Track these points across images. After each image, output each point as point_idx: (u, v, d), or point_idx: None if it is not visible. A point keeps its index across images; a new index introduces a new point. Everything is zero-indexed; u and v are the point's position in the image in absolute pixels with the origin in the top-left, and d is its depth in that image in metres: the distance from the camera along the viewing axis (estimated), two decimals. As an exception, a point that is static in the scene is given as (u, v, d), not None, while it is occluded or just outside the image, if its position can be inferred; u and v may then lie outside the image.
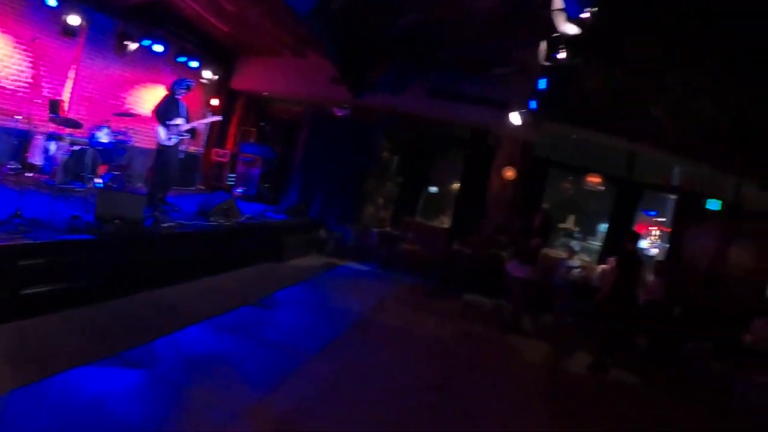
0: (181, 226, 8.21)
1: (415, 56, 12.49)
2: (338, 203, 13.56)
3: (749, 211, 13.34)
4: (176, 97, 9.33)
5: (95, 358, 4.60)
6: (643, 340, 10.17)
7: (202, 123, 9.95)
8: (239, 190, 14.02)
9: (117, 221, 6.87)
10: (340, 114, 14.11)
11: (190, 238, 8.14)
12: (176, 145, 9.31)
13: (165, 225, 7.93)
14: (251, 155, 14.89)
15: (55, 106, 9.60)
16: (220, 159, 15.30)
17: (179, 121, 9.10)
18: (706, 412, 7.91)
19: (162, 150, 9.07)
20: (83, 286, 5.91)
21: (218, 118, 10.73)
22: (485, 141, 13.72)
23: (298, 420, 4.44)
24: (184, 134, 9.39)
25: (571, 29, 8.14)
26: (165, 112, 9.08)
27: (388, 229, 13.42)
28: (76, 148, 9.60)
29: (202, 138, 14.89)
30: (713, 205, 13.24)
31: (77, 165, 9.47)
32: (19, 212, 6.06)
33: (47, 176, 9.39)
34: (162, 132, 8.96)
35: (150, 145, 10.77)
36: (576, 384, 7.79)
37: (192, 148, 14.06)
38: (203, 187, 14.12)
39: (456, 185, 15.24)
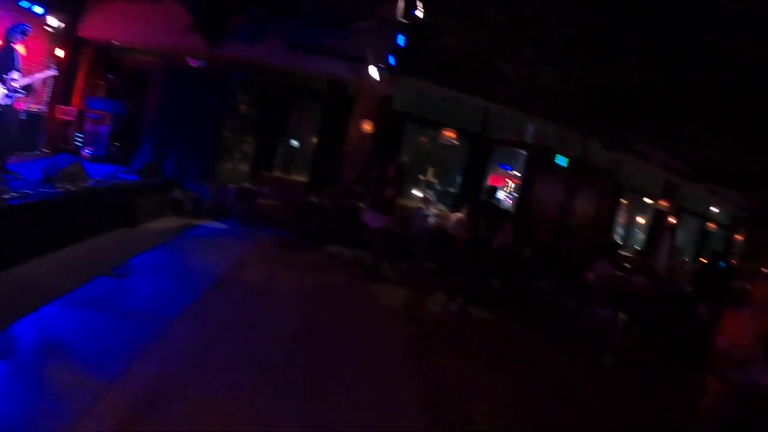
0: (25, 195, 7.60)
1: (274, 6, 12.35)
2: (194, 160, 13.20)
3: (594, 167, 14.59)
4: (12, 45, 8.48)
5: None
6: (497, 281, 11.12)
7: (38, 78, 9.07)
8: (87, 150, 13.14)
9: None
10: (195, 65, 13.64)
11: (36, 209, 7.56)
12: (12, 104, 8.56)
13: (6, 196, 7.33)
14: (99, 112, 13.82)
15: None
16: (65, 117, 13.96)
17: (16, 76, 8.32)
18: (554, 339, 9.05)
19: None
20: None
21: (53, 71, 9.87)
22: (344, 94, 13.83)
23: (164, 386, 4.46)
24: (21, 92, 8.51)
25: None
26: (2, 66, 8.24)
27: (245, 184, 13.26)
28: None
29: (45, 94, 13.49)
30: (561, 160, 14.40)
31: None
32: None
33: None
34: None
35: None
36: (435, 324, 8.47)
37: (33, 107, 12.60)
38: (48, 150, 12.91)
39: (314, 138, 15.25)
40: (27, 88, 8.75)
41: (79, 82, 14.65)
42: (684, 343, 9.66)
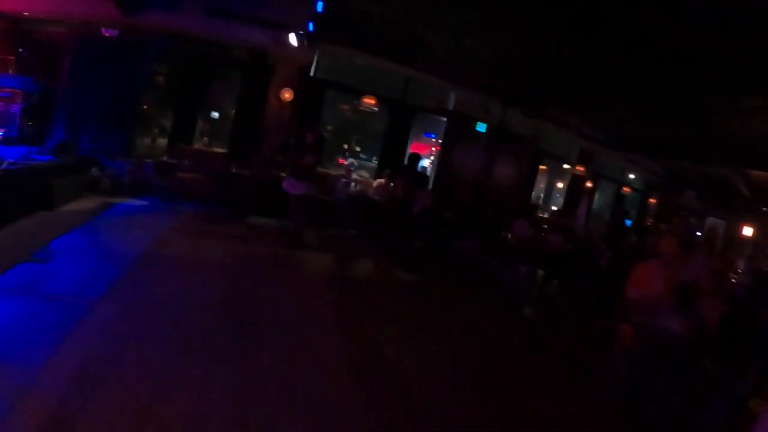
0: None
1: None
2: (111, 136, 12.89)
3: (513, 134, 15.18)
4: None
5: None
6: (420, 243, 11.53)
7: None
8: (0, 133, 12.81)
9: None
10: (108, 35, 13.20)
11: None
12: None
13: None
14: (10, 89, 13.11)
15: None
16: None
17: None
18: (477, 297, 9.57)
19: None
20: None
21: None
22: (263, 63, 13.75)
23: (93, 367, 4.49)
24: None
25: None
26: None
27: (164, 158, 13.12)
28: None
29: None
30: (481, 127, 14.83)
31: None
32: None
33: None
34: None
35: None
36: (360, 287, 8.71)
37: None
38: None
39: (235, 109, 15.17)
40: None
41: None
42: (594, 292, 10.23)
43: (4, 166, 9.12)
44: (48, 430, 3.53)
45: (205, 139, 15.30)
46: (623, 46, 9.34)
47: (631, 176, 22.10)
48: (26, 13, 14.08)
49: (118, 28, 13.16)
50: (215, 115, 15.94)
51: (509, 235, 11.32)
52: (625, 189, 21.41)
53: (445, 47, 12.63)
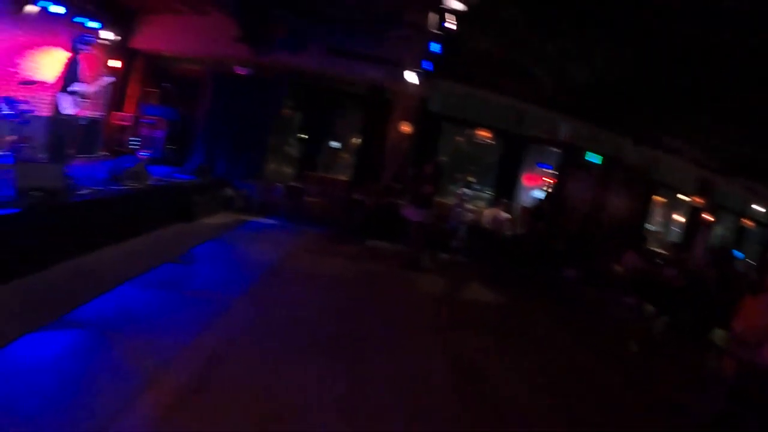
0: (97, 192, 8.60)
1: (314, 16, 13.13)
2: (243, 161, 14.14)
3: (626, 164, 15.35)
4: (77, 56, 9.34)
5: (41, 324, 5.08)
6: (529, 271, 11.72)
7: (97, 86, 9.96)
8: (144, 153, 14.10)
9: (38, 192, 7.14)
10: (242, 72, 14.51)
11: (107, 204, 8.59)
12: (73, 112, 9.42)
13: (82, 192, 8.27)
14: (154, 117, 14.97)
15: None
16: (121, 123, 15.23)
17: (79, 86, 9.18)
18: (581, 326, 9.51)
19: (61, 118, 9.15)
20: (11, 260, 6.24)
21: (111, 79, 10.67)
22: (382, 97, 14.54)
23: (227, 351, 5.26)
24: (82, 99, 9.35)
25: (457, 5, 9.11)
26: (69, 77, 9.12)
27: (293, 183, 14.17)
28: None
29: (102, 102, 14.54)
30: (592, 158, 14.90)
31: None
32: None
33: None
34: (64, 100, 9.00)
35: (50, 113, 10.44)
36: (468, 309, 8.95)
37: (92, 113, 13.38)
38: (105, 153, 14.00)
39: (355, 139, 16.10)
40: (89, 96, 9.63)
41: (133, 90, 15.80)
42: (700, 325, 9.96)
43: (152, 181, 10.29)
44: (185, 395, 4.30)
45: (328, 166, 16.20)
46: (736, 67, 9.41)
47: (756, 207, 20.88)
48: (165, 52, 15.74)
49: (249, 66, 14.43)
50: (336, 144, 16.89)
51: (617, 266, 11.40)
52: (747, 222, 19.92)
53: (552, 78, 12.97)
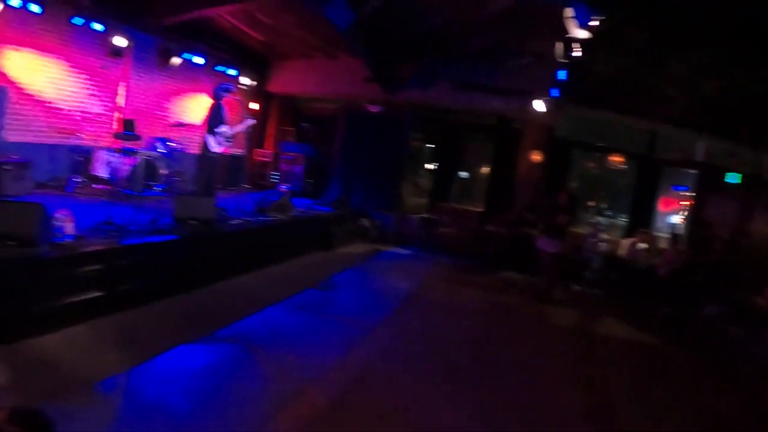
0: (246, 222, 9.48)
1: (440, 52, 13.44)
2: (377, 193, 14.69)
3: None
4: (220, 102, 10.05)
5: (194, 337, 5.71)
6: (666, 307, 10.82)
7: (241, 127, 10.65)
8: (284, 187, 15.05)
9: (193, 221, 8.04)
10: (374, 111, 15.14)
11: (255, 232, 9.45)
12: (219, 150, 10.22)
13: (233, 222, 9.17)
14: (293, 153, 15.99)
15: (129, 124, 10.47)
16: (262, 159, 16.60)
17: (224, 128, 9.88)
18: (721, 368, 8.47)
19: (209, 156, 9.84)
20: (170, 280, 7.13)
21: (252, 121, 11.15)
22: (510, 127, 14.61)
23: (367, 374, 5.59)
24: (229, 140, 10.05)
25: (582, 34, 9.16)
26: (212, 119, 9.82)
27: (425, 214, 14.47)
28: (139, 159, 10.59)
29: (244, 140, 15.78)
30: (732, 178, 13.89)
31: (145, 174, 10.58)
32: (110, 220, 7.22)
33: (111, 186, 10.29)
34: (211, 140, 9.67)
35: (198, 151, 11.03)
36: (602, 344, 8.53)
37: (236, 150, 14.73)
38: (248, 186, 15.27)
39: (485, 169, 16.15)
40: (233, 137, 10.35)
41: (272, 129, 17.11)
42: None
43: (296, 213, 11.06)
44: (327, 411, 4.62)
45: (459, 197, 16.40)
46: None
47: None
48: (299, 94, 16.95)
49: (380, 104, 15.00)
50: (465, 175, 17.03)
51: (761, 301, 10.15)
52: None
53: (684, 96, 12.35)
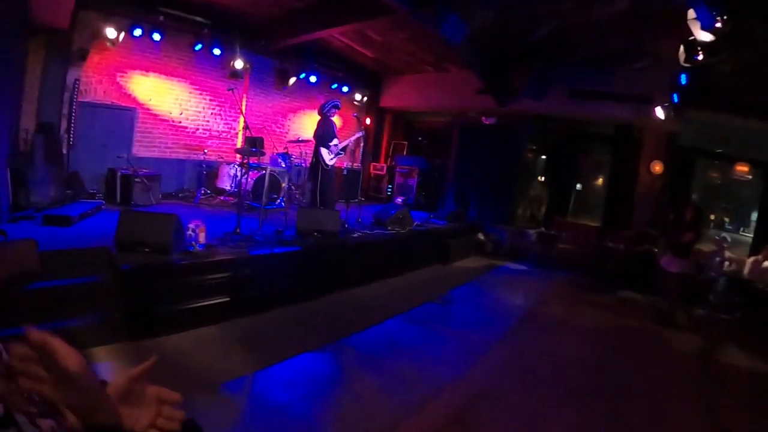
0: (366, 235, 9.68)
1: (552, 59, 13.09)
2: (492, 206, 14.66)
3: None
4: (330, 118, 10.46)
5: (316, 345, 5.87)
6: None
7: (352, 140, 11.01)
8: (399, 199, 15.49)
9: (316, 234, 8.37)
10: (487, 123, 15.09)
11: (375, 245, 9.59)
12: (335, 163, 10.58)
13: (354, 235, 9.41)
14: (407, 167, 16.27)
15: (252, 140, 10.76)
16: (377, 172, 16.98)
17: (335, 141, 10.24)
18: None
19: (325, 169, 10.20)
20: (293, 288, 7.43)
21: (362, 134, 11.51)
22: (629, 135, 13.91)
23: (487, 391, 5.48)
24: (341, 152, 10.45)
25: (706, 37, 8.62)
26: (323, 134, 10.22)
27: (542, 229, 14.16)
28: (262, 173, 10.93)
29: (359, 154, 16.20)
30: None
31: (267, 187, 10.60)
32: (238, 230, 7.73)
33: (235, 198, 11.07)
34: (325, 154, 10.11)
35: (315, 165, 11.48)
36: (727, 375, 7.90)
37: (352, 164, 14.88)
38: (363, 199, 15.12)
39: (603, 181, 15.82)
40: (344, 149, 10.69)
41: (385, 143, 17.52)
42: None
43: (414, 226, 11.10)
44: (447, 426, 4.58)
45: (576, 210, 16.09)
46: None
47: None
48: (412, 109, 17.20)
49: (493, 115, 14.94)
50: (580, 187, 16.73)
51: None
52: None
53: None
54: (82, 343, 4.59)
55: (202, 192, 11.98)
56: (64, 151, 10.16)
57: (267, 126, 14.13)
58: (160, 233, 6.03)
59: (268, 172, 10.01)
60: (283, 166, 11.83)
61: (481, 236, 13.68)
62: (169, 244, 6.01)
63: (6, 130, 7.95)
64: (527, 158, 15.58)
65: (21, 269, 4.94)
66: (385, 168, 16.94)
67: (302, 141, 12.58)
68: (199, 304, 6.06)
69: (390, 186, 16.52)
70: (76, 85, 10.36)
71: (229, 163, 12.16)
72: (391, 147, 17.68)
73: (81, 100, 10.49)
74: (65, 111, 10.27)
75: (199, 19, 11.95)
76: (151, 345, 5.28)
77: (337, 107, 10.60)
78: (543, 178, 16.27)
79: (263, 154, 10.15)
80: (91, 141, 10.74)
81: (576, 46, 12.39)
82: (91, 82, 10.72)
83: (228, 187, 11.88)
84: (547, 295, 10.54)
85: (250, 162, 9.46)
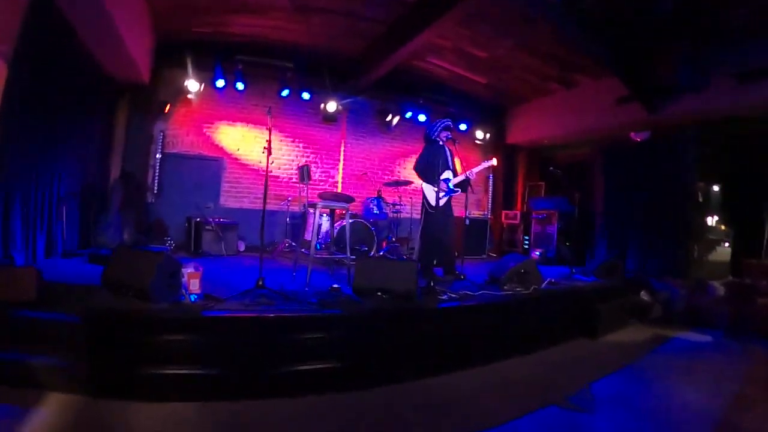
0: (464, 297, 6.55)
1: (707, 33, 9.16)
2: (659, 252, 10.75)
3: None
4: (439, 143, 8.22)
5: None
6: None
7: (474, 171, 8.25)
8: (536, 252, 12.20)
9: (380, 294, 5.88)
10: (638, 139, 11.55)
11: (475, 312, 6.28)
12: (448, 203, 8.07)
13: (443, 297, 6.42)
14: (544, 211, 12.98)
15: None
16: (510, 221, 13.97)
17: (447, 174, 7.97)
18: None
19: (430, 211, 7.88)
20: (325, 369, 5.00)
21: (492, 162, 8.71)
22: None
23: None
24: (455, 189, 8.07)
25: None
26: (427, 165, 7.99)
27: (730, 278, 10.06)
28: (344, 221, 9.18)
29: (488, 201, 14.28)
30: None
31: (352, 236, 9.09)
32: (260, 281, 5.92)
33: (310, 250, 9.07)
34: (428, 190, 7.92)
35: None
36: None
37: (477, 213, 13.37)
38: (495, 255, 12.87)
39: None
40: (463, 185, 8.24)
41: (519, 186, 15.06)
42: None
43: (544, 285, 7.77)
44: None
45: None
46: None
47: None
48: (545, 140, 14.25)
49: (645, 128, 11.49)
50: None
51: None
52: None
53: None
54: (40, 383, 4.25)
55: (286, 244, 10.90)
56: (151, 200, 10.86)
57: (371, 172, 13.13)
58: (142, 275, 5.07)
59: (352, 219, 9.26)
60: (376, 212, 10.80)
61: (644, 295, 9.42)
62: (148, 290, 5.00)
63: (79, 176, 8.64)
64: (696, 182, 11.03)
65: (15, 294, 4.83)
66: (518, 215, 13.87)
67: (399, 183, 11.26)
68: (177, 372, 4.57)
69: (527, 237, 13.34)
70: (162, 137, 11.01)
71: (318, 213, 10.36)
72: (526, 190, 14.76)
73: (168, 151, 11.09)
74: (152, 162, 10.94)
75: (281, 63, 11.55)
76: (110, 409, 4.14)
77: (449, 128, 8.31)
78: (724, 206, 11.47)
79: (351, 200, 8.56)
80: (178, 190, 11.08)
81: (746, 11, 8.41)
82: (178, 134, 11.26)
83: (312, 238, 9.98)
84: (746, 386, 6.15)
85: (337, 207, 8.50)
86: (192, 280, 5.50)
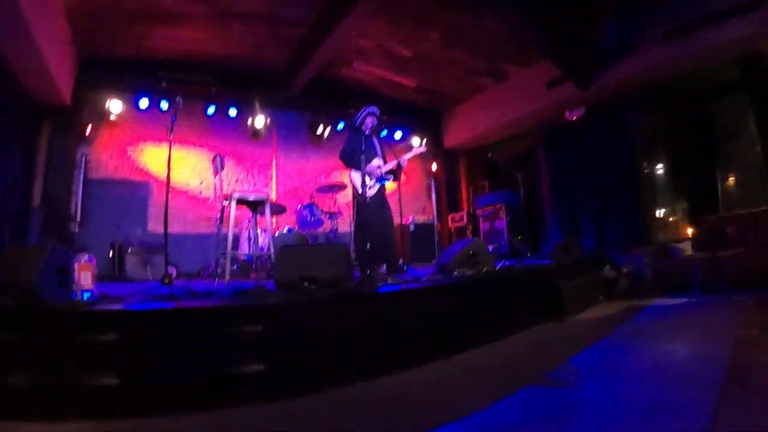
0: (410, 282, 5.82)
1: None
2: (614, 227, 10.50)
3: None
4: (365, 132, 7.62)
5: None
6: None
7: (405, 158, 7.72)
8: (489, 248, 11.67)
9: (306, 284, 4.86)
10: (573, 118, 11.29)
11: (422, 298, 5.32)
12: (382, 196, 7.49)
13: (383, 284, 5.62)
14: (490, 206, 12.42)
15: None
16: (457, 224, 13.50)
17: (377, 161, 7.49)
18: None
19: (360, 201, 7.35)
20: (252, 376, 3.93)
21: (422, 148, 8.55)
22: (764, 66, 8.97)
23: None
24: (386, 177, 7.55)
25: None
26: (354, 151, 7.44)
27: (692, 236, 9.42)
28: (284, 232, 9.67)
29: (432, 208, 13.86)
30: None
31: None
32: (166, 278, 5.58)
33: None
34: (356, 177, 7.39)
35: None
36: None
37: (420, 218, 12.79)
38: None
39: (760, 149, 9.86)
40: (394, 173, 7.74)
41: (462, 189, 14.83)
42: None
43: (498, 267, 7.15)
44: None
45: (731, 199, 10.39)
46: None
47: None
48: (482, 137, 13.98)
49: (580, 104, 11.25)
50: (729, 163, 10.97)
51: None
52: None
53: None
54: None
55: (216, 264, 9.65)
56: (75, 230, 10.15)
57: (305, 187, 12.44)
58: (24, 271, 4.21)
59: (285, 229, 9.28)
60: (310, 219, 10.37)
61: (608, 271, 8.69)
62: (32, 288, 4.09)
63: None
64: (643, 142, 10.93)
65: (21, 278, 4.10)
66: (464, 216, 13.38)
67: (334, 187, 10.92)
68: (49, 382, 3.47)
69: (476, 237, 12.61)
70: (84, 162, 10.45)
71: (247, 229, 9.99)
72: (471, 192, 14.39)
73: (92, 177, 10.54)
74: (74, 188, 10.30)
75: (204, 78, 11.15)
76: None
77: (374, 115, 7.66)
78: (673, 165, 11.12)
79: (283, 210, 9.33)
80: (104, 218, 10.50)
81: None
82: (102, 158, 10.77)
83: (244, 254, 9.84)
84: (748, 331, 5.53)
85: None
86: (83, 272, 4.51)
